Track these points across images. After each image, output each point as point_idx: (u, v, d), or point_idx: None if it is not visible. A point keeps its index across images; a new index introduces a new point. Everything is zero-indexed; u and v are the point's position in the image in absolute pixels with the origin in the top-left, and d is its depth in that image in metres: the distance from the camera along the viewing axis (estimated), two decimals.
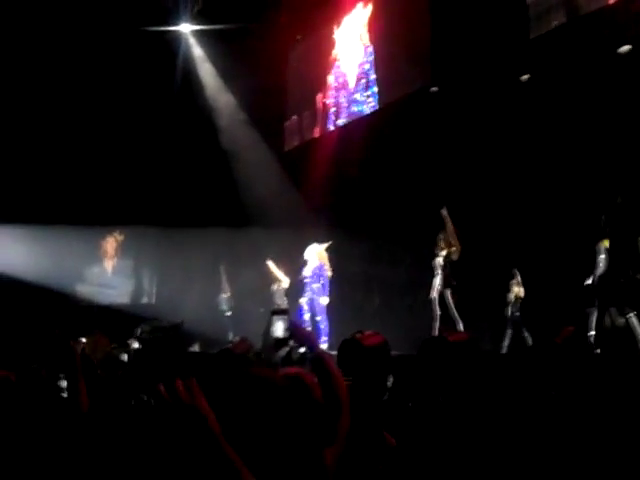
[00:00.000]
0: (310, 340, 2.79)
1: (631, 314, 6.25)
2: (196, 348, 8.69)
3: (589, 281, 6.80)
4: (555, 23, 8.04)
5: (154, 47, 11.91)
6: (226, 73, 12.30)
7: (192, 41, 12.52)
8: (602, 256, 6.64)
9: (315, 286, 9.40)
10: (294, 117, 12.44)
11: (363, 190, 10.39)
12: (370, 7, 10.92)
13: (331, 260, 9.59)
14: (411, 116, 9.70)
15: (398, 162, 9.82)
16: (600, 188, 7.41)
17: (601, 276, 6.61)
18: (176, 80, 12.44)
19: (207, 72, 12.49)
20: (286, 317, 3.01)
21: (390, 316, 8.96)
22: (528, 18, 8.26)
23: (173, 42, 12.47)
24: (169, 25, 12.17)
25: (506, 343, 7.97)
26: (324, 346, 8.45)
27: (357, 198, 10.48)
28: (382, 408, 2.94)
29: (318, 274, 9.40)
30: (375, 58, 10.78)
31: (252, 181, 11.47)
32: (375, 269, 9.93)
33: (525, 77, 8.45)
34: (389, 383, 3.15)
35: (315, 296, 9.36)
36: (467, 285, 8.20)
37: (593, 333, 6.54)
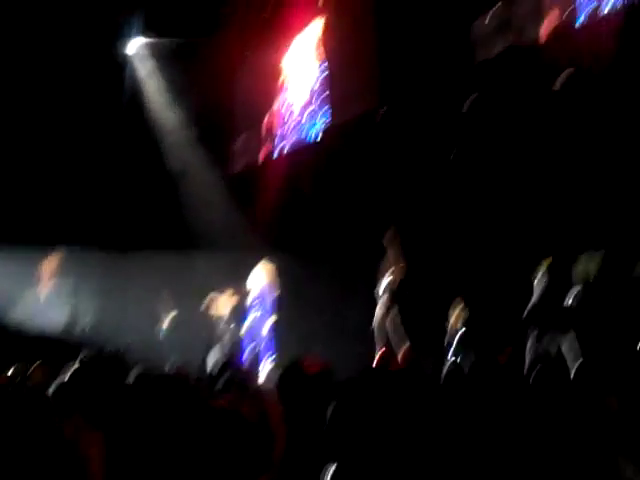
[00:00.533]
0: (247, 373, 2.75)
1: (563, 338, 6.39)
2: (136, 374, 8.45)
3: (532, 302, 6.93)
4: (498, 49, 8.27)
5: (100, 62, 11.70)
6: (174, 91, 12.17)
7: (139, 57, 12.36)
8: (540, 278, 6.78)
9: (259, 310, 9.28)
10: (242, 136, 12.39)
11: (312, 211, 10.40)
12: (319, 29, 11.00)
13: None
14: (360, 137, 9.79)
15: (347, 183, 9.87)
16: (542, 210, 7.62)
17: (539, 298, 6.75)
18: (123, 97, 12.25)
19: (154, 89, 12.34)
20: (223, 344, 2.91)
21: (339, 339, 8.93)
22: (473, 43, 8.48)
23: (120, 58, 12.28)
24: (116, 40, 11.99)
25: (448, 365, 8.02)
26: (269, 366, 8.35)
27: (306, 220, 10.47)
28: (322, 436, 2.90)
29: (263, 297, 9.27)
30: (323, 81, 10.87)
31: (198, 203, 11.34)
32: (322, 291, 9.89)
33: (469, 101, 8.64)
34: (331, 410, 3.11)
35: (259, 319, 9.24)
36: (410, 306, 8.29)
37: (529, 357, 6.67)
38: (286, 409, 2.94)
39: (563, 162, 7.48)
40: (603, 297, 6.19)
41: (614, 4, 7.17)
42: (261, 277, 9.30)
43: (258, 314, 9.21)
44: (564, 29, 7.60)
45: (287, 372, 3.12)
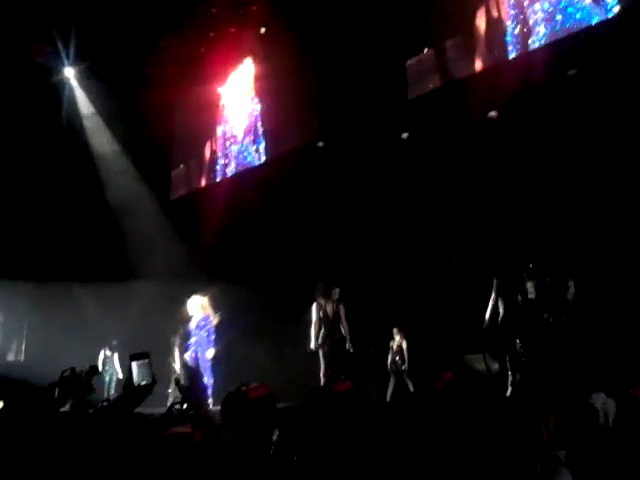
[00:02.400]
0: (197, 399, 2.70)
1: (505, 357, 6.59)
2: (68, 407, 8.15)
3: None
4: (431, 86, 8.58)
5: (38, 93, 11.46)
6: (112, 121, 12.03)
7: (78, 88, 12.18)
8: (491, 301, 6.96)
9: (199, 339, 9.18)
10: (181, 166, 12.33)
11: (251, 240, 10.39)
12: (255, 64, 11.17)
13: (218, 311, 9.40)
14: (298, 169, 9.91)
15: (285, 214, 9.94)
16: (475, 237, 7.89)
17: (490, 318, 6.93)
18: (61, 126, 12.00)
19: (91, 117, 12.17)
20: (147, 361, 2.85)
21: (280, 367, 8.89)
22: (406, 80, 8.78)
23: (58, 88, 12.06)
24: (54, 71, 11.79)
25: (390, 391, 8.13)
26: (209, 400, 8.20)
27: (245, 248, 10.45)
28: (267, 462, 2.88)
29: (202, 326, 9.20)
30: (262, 112, 10.99)
31: (137, 232, 11.15)
32: (263, 319, 9.86)
33: (405, 135, 8.91)
34: (275, 436, 3.09)
35: (199, 349, 9.14)
36: (353, 337, 8.35)
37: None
38: (231, 434, 2.91)
39: (500, 188, 7.79)
40: (542, 315, 6.44)
41: (540, 40, 7.59)
42: (197, 310, 9.23)
43: (195, 349, 9.12)
44: (495, 63, 7.96)
45: (231, 397, 3.09)
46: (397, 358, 8.32)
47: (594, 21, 7.14)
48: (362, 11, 9.11)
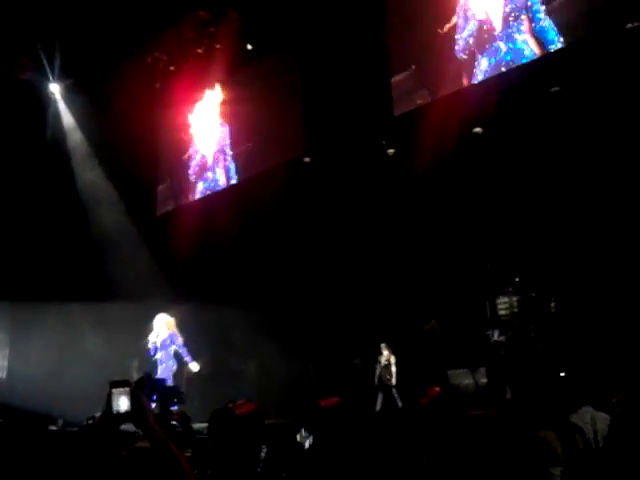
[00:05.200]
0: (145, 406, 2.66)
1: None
2: (57, 426, 8.04)
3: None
4: (419, 102, 8.64)
5: (24, 109, 11.42)
6: (95, 137, 11.99)
7: (62, 104, 12.16)
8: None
9: (163, 357, 9.16)
10: (164, 183, 12.33)
11: (232, 258, 10.36)
12: (226, 86, 11.22)
13: (206, 328, 9.37)
14: (284, 186, 9.90)
15: (266, 231, 9.92)
16: (461, 257, 7.93)
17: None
18: (45, 142, 11.95)
19: (75, 135, 12.14)
20: (127, 389, 2.81)
21: (267, 383, 8.84)
22: (391, 97, 8.84)
23: (42, 103, 12.02)
24: (37, 85, 11.75)
25: (378, 406, 8.10)
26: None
27: (225, 266, 10.42)
28: (256, 477, 2.85)
29: (167, 345, 9.17)
30: (232, 135, 11.04)
31: (113, 251, 11.08)
32: (249, 337, 9.82)
33: (391, 151, 8.96)
34: (263, 453, 3.07)
35: (161, 367, 9.13)
36: (341, 353, 8.35)
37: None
38: (218, 451, 2.88)
39: (485, 204, 7.85)
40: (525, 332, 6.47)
41: (508, 63, 7.72)
42: (163, 328, 9.22)
43: (161, 362, 9.11)
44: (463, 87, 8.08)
45: (217, 414, 3.06)
46: (385, 373, 8.30)
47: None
48: (346, 29, 9.19)
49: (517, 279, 7.04)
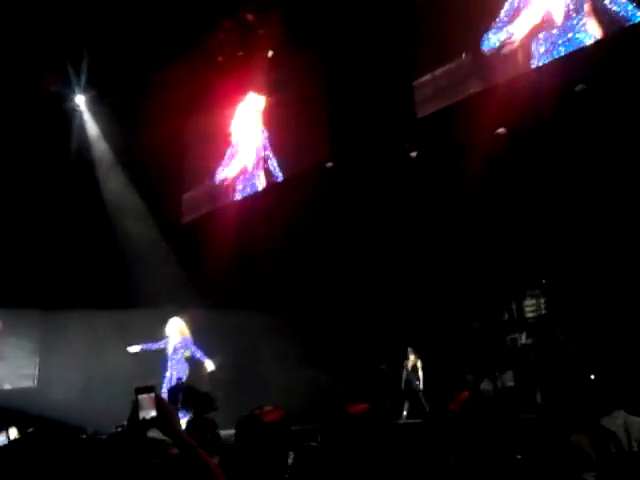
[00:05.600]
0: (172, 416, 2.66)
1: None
2: (87, 433, 8.12)
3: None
4: (440, 105, 8.59)
5: (47, 123, 11.60)
6: (120, 146, 12.14)
7: (87, 116, 12.34)
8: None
9: (175, 364, 9.19)
10: (190, 193, 12.40)
11: (261, 264, 10.39)
12: (264, 90, 11.26)
13: (229, 333, 9.38)
14: (308, 191, 9.92)
15: (295, 236, 9.94)
16: (487, 260, 7.85)
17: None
18: (70, 153, 12.13)
19: (100, 145, 12.30)
20: (152, 395, 2.80)
21: (291, 389, 8.83)
22: (413, 100, 8.80)
23: (67, 117, 12.21)
24: (63, 98, 11.94)
25: (405, 412, 8.04)
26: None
27: (256, 273, 10.45)
28: None
29: (179, 349, 9.21)
30: (271, 137, 11.07)
31: (140, 259, 11.18)
32: (274, 343, 9.83)
33: (414, 153, 8.93)
34: (290, 460, 3.05)
35: (174, 372, 9.17)
36: (367, 358, 8.31)
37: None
38: (245, 458, 2.88)
39: (511, 205, 7.76)
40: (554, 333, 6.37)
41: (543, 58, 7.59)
42: (175, 333, 9.26)
43: (171, 372, 9.14)
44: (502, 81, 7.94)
45: (244, 421, 3.05)
46: (412, 378, 8.24)
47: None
48: (370, 31, 9.17)
49: (544, 281, 6.94)
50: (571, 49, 7.39)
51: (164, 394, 8.84)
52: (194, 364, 9.14)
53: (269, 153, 11.11)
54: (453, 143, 8.24)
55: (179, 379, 8.98)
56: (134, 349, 9.38)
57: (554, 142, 7.39)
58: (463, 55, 8.38)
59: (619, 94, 6.90)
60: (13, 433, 6.92)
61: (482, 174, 7.90)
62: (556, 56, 7.53)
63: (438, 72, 8.64)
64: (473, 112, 7.91)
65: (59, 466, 2.69)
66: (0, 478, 2.54)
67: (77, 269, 11.71)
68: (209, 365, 9.09)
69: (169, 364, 9.22)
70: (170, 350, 9.25)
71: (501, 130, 8.02)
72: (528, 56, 7.82)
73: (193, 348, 9.16)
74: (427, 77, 8.75)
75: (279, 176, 10.87)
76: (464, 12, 8.33)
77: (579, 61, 7.24)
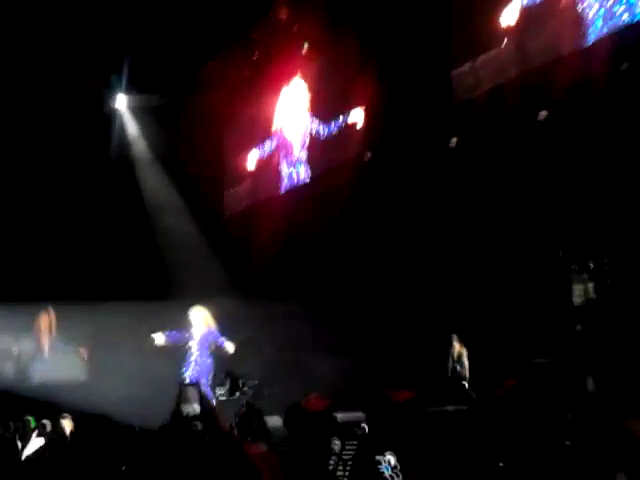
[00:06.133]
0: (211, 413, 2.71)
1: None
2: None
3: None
4: (479, 91, 8.45)
5: (89, 122, 11.88)
6: (160, 146, 12.33)
7: (127, 112, 12.57)
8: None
9: (199, 360, 8.94)
10: (233, 186, 12.54)
11: (305, 255, 10.45)
12: (303, 81, 11.26)
13: (268, 325, 9.44)
14: (347, 182, 9.90)
15: (336, 226, 9.95)
16: (527, 250, 7.73)
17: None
18: (110, 151, 12.39)
19: (141, 144, 12.52)
20: (197, 390, 2.78)
21: (334, 377, 8.82)
22: (451, 87, 8.68)
23: (108, 117, 12.47)
24: (104, 100, 12.21)
25: (451, 401, 7.97)
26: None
27: (299, 263, 10.52)
28: (327, 472, 2.86)
29: (206, 342, 8.90)
30: (312, 128, 11.06)
31: (180, 255, 11.31)
32: (317, 332, 9.84)
33: (454, 141, 8.82)
34: (335, 447, 3.07)
35: (201, 361, 8.91)
36: (412, 345, 8.27)
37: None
38: (293, 446, 2.92)
39: (554, 189, 7.60)
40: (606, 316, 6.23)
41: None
42: (200, 323, 9.02)
43: (196, 362, 8.92)
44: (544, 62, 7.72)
45: (291, 410, 3.09)
46: (457, 365, 8.18)
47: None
48: (407, 19, 9.08)
49: (592, 265, 6.79)
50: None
51: (191, 384, 8.82)
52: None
53: (314, 138, 11.03)
54: (494, 128, 8.11)
55: (204, 374, 8.85)
56: (159, 338, 9.15)
57: (599, 123, 7.18)
58: (504, 42, 8.17)
59: None
60: (69, 425, 7.11)
61: (524, 156, 7.76)
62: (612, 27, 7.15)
63: (478, 61, 8.48)
64: (513, 96, 7.76)
65: (118, 455, 2.78)
66: (65, 465, 2.62)
67: (119, 264, 11.92)
68: (229, 347, 8.81)
69: (192, 359, 8.98)
70: (196, 340, 9.00)
71: (543, 114, 7.86)
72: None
73: (219, 339, 8.90)
74: (466, 67, 8.61)
75: (322, 166, 10.84)
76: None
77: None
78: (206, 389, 8.61)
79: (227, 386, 6.34)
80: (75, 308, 10.34)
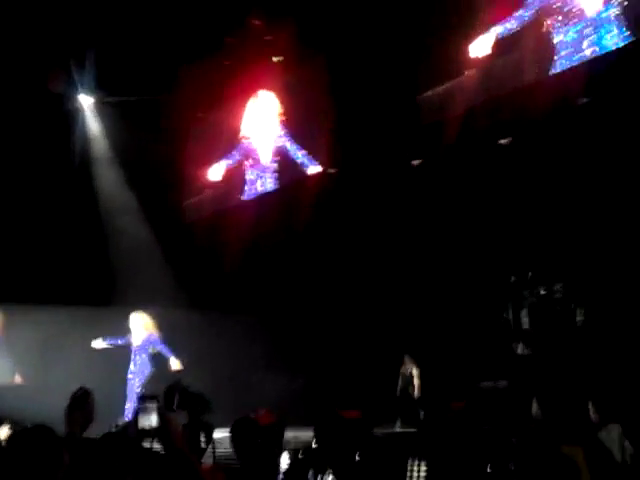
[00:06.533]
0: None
1: None
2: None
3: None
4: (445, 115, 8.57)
5: (49, 118, 11.63)
6: (121, 147, 12.13)
7: (88, 114, 12.36)
8: None
9: (141, 366, 9.09)
10: (196, 195, 12.41)
11: (260, 267, 10.42)
12: (273, 94, 11.28)
13: (218, 338, 9.37)
14: (311, 197, 9.93)
15: (295, 238, 9.97)
16: (486, 270, 7.87)
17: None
18: (69, 153, 12.13)
19: (101, 146, 12.32)
20: (156, 405, 2.71)
21: (280, 394, 8.79)
22: (419, 108, 8.81)
23: (69, 114, 12.23)
24: (65, 97, 11.97)
25: (399, 419, 8.02)
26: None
27: (248, 276, 10.48)
28: None
29: (145, 348, 9.13)
30: (281, 140, 11.10)
31: (131, 261, 11.13)
32: (264, 347, 9.83)
33: (416, 162, 8.96)
34: (284, 462, 3.08)
35: (137, 370, 9.06)
36: (360, 366, 8.32)
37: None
38: (241, 460, 2.90)
39: (515, 213, 7.76)
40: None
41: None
42: (140, 328, 9.14)
43: (139, 367, 9.11)
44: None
45: (240, 424, 3.08)
46: (408, 386, 8.23)
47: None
48: (378, 40, 9.19)
49: (542, 291, 6.95)
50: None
51: (131, 393, 8.80)
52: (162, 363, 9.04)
53: (282, 149, 11.03)
54: (455, 151, 8.26)
55: (144, 379, 8.87)
56: (99, 344, 9.25)
57: (559, 151, 7.39)
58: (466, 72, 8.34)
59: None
60: (4, 431, 6.89)
61: (485, 180, 7.91)
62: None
63: (440, 89, 8.62)
64: (475, 121, 7.92)
65: (54, 463, 2.70)
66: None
67: (65, 265, 11.64)
68: (174, 363, 8.93)
69: (133, 362, 9.12)
70: (135, 346, 9.12)
71: (505, 140, 8.05)
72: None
73: (160, 345, 9.02)
74: (430, 93, 8.74)
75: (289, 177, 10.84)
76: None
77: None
78: (136, 391, 8.63)
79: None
80: (19, 310, 10.07)
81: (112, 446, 2.99)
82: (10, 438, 2.83)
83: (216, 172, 11.73)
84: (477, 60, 8.14)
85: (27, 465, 2.39)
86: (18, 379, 9.83)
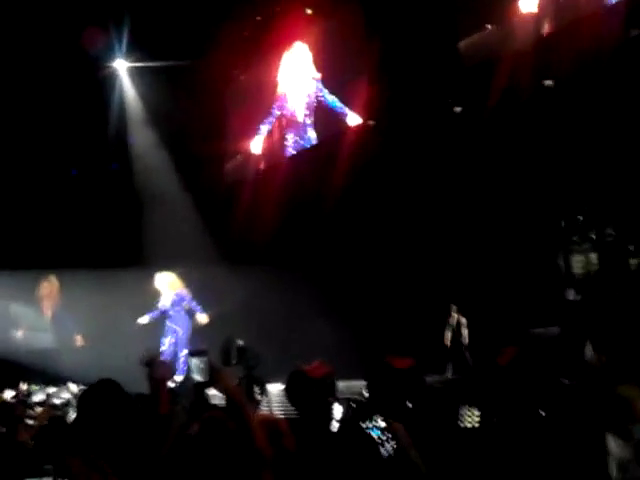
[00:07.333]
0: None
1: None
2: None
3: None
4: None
5: (86, 84, 11.72)
6: (157, 111, 12.17)
7: (126, 79, 12.39)
8: None
9: (174, 318, 9.33)
10: (237, 154, 12.42)
11: (303, 223, 10.43)
12: (308, 45, 11.07)
13: (262, 294, 9.53)
14: (350, 149, 9.83)
15: (339, 194, 9.91)
16: (536, 216, 7.71)
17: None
18: (106, 116, 12.25)
19: (137, 109, 12.37)
20: (205, 358, 2.80)
21: (333, 345, 8.89)
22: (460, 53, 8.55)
23: (107, 79, 12.29)
24: (102, 62, 12.01)
25: (450, 368, 8.04)
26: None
27: (296, 231, 10.50)
28: (329, 437, 2.90)
29: (177, 303, 9.32)
30: (317, 92, 10.92)
31: (173, 224, 11.27)
32: (316, 299, 9.89)
33: (459, 109, 8.74)
34: (336, 413, 3.12)
35: (178, 329, 9.26)
36: (409, 316, 8.32)
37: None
38: (296, 412, 2.95)
39: (553, 166, 7.55)
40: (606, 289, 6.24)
41: None
42: (165, 288, 9.37)
43: (173, 328, 9.36)
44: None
45: (294, 377, 3.13)
46: (456, 334, 8.22)
47: None
48: None
49: (594, 236, 6.78)
50: None
51: (170, 350, 9.09)
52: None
53: (319, 103, 10.83)
54: (499, 95, 8.00)
55: (182, 333, 9.13)
56: (144, 319, 9.54)
57: (606, 92, 7.09)
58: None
59: None
60: (74, 387, 7.29)
61: (529, 125, 7.68)
62: None
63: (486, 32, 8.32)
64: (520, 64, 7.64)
65: (127, 413, 2.83)
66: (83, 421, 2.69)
67: (101, 230, 11.88)
68: (202, 318, 9.19)
69: (168, 320, 9.38)
70: (167, 306, 9.37)
71: (549, 82, 7.75)
72: None
73: (191, 302, 9.29)
74: (476, 36, 8.45)
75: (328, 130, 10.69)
76: None
77: None
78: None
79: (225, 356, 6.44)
80: (73, 275, 10.36)
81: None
82: (82, 394, 2.98)
83: (257, 144, 11.71)
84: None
85: (105, 415, 2.53)
86: (79, 340, 10.23)
